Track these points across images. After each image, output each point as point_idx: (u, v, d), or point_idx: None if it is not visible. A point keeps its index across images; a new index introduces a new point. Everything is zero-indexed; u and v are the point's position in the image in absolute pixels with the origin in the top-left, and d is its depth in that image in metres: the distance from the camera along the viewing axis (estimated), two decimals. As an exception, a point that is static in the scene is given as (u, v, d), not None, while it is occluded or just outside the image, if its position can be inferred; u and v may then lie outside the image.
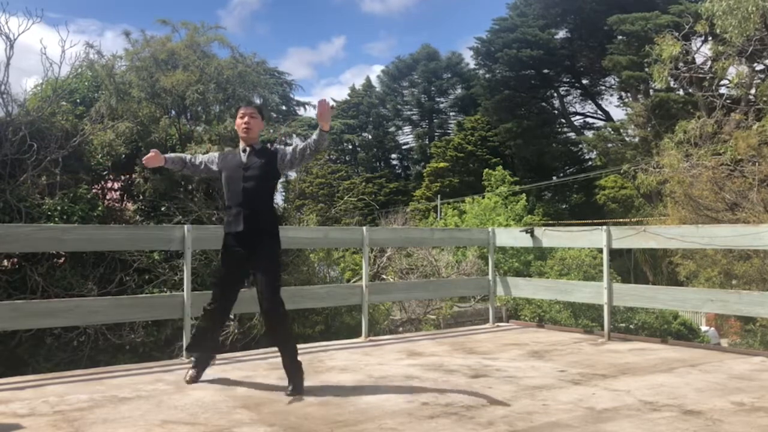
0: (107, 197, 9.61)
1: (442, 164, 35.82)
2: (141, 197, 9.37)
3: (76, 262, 7.84)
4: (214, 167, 4.16)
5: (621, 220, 24.39)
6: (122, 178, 9.82)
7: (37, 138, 7.94)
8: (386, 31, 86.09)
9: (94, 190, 9.00)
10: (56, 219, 7.59)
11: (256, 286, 4.05)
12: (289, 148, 4.17)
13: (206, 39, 10.33)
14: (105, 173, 9.34)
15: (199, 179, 9.49)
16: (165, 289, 7.93)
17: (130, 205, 9.74)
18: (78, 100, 9.65)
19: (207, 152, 8.74)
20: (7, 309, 4.57)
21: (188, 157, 4.28)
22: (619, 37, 30.44)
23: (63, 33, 13.04)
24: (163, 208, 9.06)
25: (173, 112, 10.00)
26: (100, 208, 8.24)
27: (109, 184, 9.75)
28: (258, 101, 11.09)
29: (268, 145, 4.60)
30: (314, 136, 4.02)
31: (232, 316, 8.42)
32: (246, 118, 4.03)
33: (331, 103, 4.36)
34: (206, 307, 4.19)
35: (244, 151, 4.06)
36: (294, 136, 11.61)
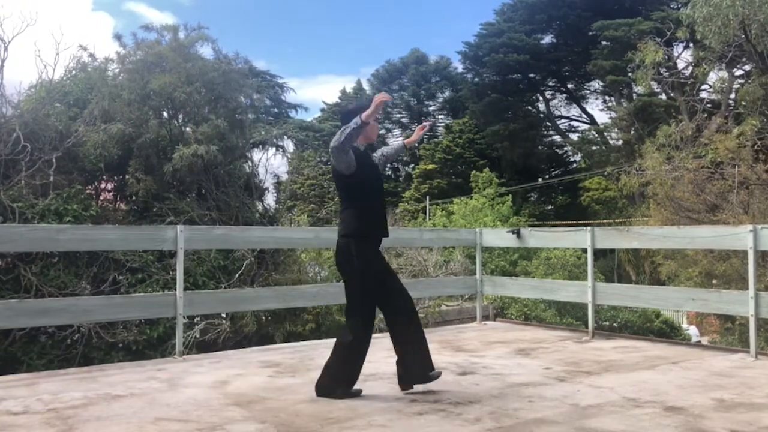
0: (100, 197, 9.61)
1: (430, 166, 35.97)
2: (134, 197, 9.38)
3: (70, 262, 7.84)
4: (354, 164, 3.69)
5: (605, 221, 24.71)
6: (115, 178, 9.83)
7: (31, 139, 7.96)
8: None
9: (87, 191, 9.00)
10: (50, 219, 7.59)
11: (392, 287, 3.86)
12: (377, 153, 4.16)
13: (190, 40, 10.35)
14: (98, 174, 9.33)
15: (192, 180, 9.50)
16: (158, 288, 7.95)
17: (123, 205, 9.75)
18: (71, 102, 9.64)
19: (194, 153, 8.81)
20: (1, 308, 4.59)
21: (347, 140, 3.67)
22: (603, 43, 30.90)
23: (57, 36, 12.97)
24: (155, 209, 9.07)
25: (165, 114, 10.02)
26: (93, 209, 8.25)
27: (102, 185, 9.76)
28: (246, 102, 11.12)
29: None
30: (394, 148, 4.10)
31: (224, 315, 8.45)
32: (376, 123, 3.94)
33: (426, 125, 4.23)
34: (355, 342, 3.67)
35: (367, 153, 3.91)
36: (285, 137, 11.65)
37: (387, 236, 3.83)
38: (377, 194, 3.85)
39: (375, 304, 3.79)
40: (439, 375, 3.84)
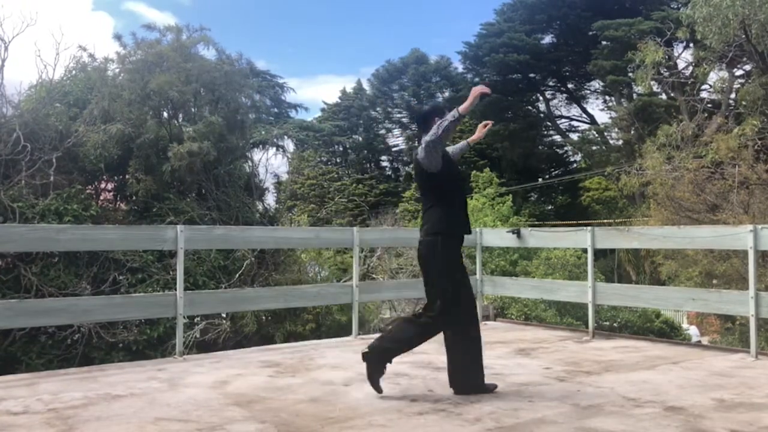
0: (100, 197, 9.63)
1: (430, 166, 35.96)
2: (134, 197, 9.40)
3: (70, 262, 7.85)
4: (440, 161, 3.69)
5: (605, 221, 24.69)
6: (115, 178, 9.86)
7: (31, 139, 8.00)
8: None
9: (87, 191, 9.02)
10: (50, 219, 7.60)
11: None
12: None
13: (191, 41, 10.37)
14: (98, 174, 9.35)
15: (192, 180, 9.51)
16: (158, 288, 7.96)
17: (123, 205, 9.77)
18: (71, 102, 9.66)
19: (189, 151, 8.82)
20: (2, 308, 4.59)
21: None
22: (604, 43, 30.91)
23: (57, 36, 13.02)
24: (155, 209, 9.09)
25: (164, 114, 10.04)
26: (93, 209, 8.27)
27: (103, 185, 9.78)
28: (247, 102, 11.13)
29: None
30: (459, 147, 4.03)
31: (224, 315, 8.46)
32: None
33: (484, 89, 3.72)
34: (473, 333, 3.74)
35: (446, 152, 3.85)
36: (285, 137, 11.66)
37: (470, 233, 3.89)
38: (461, 192, 3.92)
39: (471, 292, 3.83)
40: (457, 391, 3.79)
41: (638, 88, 25.05)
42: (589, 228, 6.13)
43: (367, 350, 3.76)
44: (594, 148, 33.75)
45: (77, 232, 5.06)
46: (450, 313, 3.74)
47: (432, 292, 3.79)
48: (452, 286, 3.73)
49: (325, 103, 47.68)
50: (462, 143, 4.35)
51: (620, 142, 30.16)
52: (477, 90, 3.53)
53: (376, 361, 3.74)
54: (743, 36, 12.50)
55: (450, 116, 3.53)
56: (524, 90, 37.40)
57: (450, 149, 4.17)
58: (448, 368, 3.84)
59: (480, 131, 4.27)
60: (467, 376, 3.77)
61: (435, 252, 3.71)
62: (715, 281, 11.60)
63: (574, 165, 37.31)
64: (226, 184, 9.89)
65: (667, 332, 14.90)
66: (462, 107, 3.52)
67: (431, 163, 3.65)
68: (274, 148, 11.33)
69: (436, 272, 3.75)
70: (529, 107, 38.26)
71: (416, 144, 3.88)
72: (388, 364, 3.80)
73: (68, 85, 9.89)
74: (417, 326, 3.81)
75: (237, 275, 8.87)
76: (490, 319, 7.36)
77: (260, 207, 10.79)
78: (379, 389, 3.72)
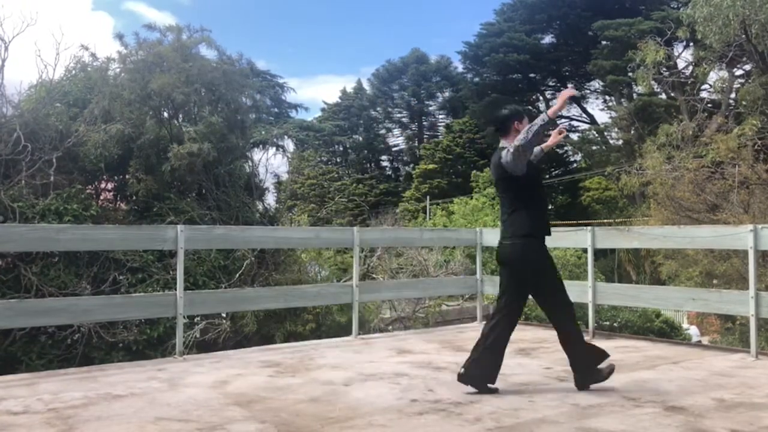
0: (101, 197, 9.64)
1: (431, 166, 36.00)
2: (134, 197, 9.40)
3: (70, 262, 7.85)
4: (525, 166, 3.77)
5: (605, 220, 24.68)
6: (115, 178, 9.86)
7: (31, 139, 8.00)
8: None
9: (87, 191, 9.02)
10: (50, 219, 7.61)
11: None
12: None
13: (192, 41, 10.37)
14: (98, 174, 9.35)
15: (192, 180, 9.51)
16: (158, 288, 7.96)
17: (123, 205, 9.77)
18: (72, 102, 9.66)
19: (189, 151, 8.83)
20: (2, 308, 4.60)
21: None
22: (603, 43, 30.91)
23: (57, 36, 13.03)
24: (155, 209, 9.09)
25: (165, 114, 10.04)
26: (93, 208, 8.28)
27: (103, 185, 9.78)
28: (247, 102, 11.13)
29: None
30: (534, 153, 4.05)
31: (224, 315, 8.46)
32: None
33: (574, 93, 4.02)
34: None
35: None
36: (286, 137, 11.67)
37: (550, 235, 3.98)
38: (542, 196, 4.04)
39: (563, 289, 3.96)
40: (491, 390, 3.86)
41: (638, 88, 25.07)
42: (589, 228, 6.14)
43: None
44: (594, 147, 33.75)
45: (77, 232, 5.06)
46: (566, 304, 3.90)
47: (508, 292, 3.88)
48: (551, 281, 3.89)
49: (325, 103, 47.75)
50: (537, 149, 4.39)
51: (620, 142, 30.16)
52: (565, 93, 3.69)
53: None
54: (743, 36, 12.51)
55: (539, 120, 3.61)
56: (524, 90, 37.42)
57: None
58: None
59: (555, 137, 4.33)
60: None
61: (525, 254, 3.82)
62: (715, 281, 11.59)
63: (574, 165, 37.32)
64: (226, 184, 9.89)
65: (667, 332, 14.88)
66: (550, 111, 3.64)
67: (517, 167, 3.72)
68: (274, 148, 11.35)
69: (530, 273, 3.86)
70: (529, 107, 38.22)
71: (499, 148, 3.93)
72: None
73: (68, 85, 9.89)
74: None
75: (237, 275, 8.87)
76: (490, 319, 7.33)
77: (260, 207, 10.80)
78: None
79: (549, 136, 4.14)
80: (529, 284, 3.90)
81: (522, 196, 3.84)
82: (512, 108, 3.97)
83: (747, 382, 4.08)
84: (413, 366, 4.60)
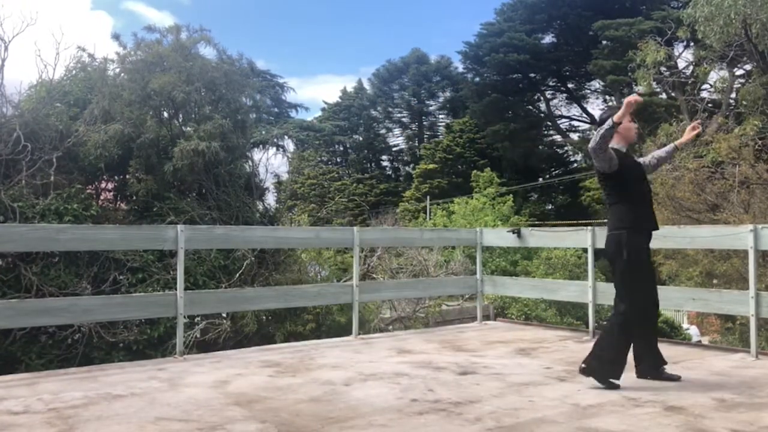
0: (101, 197, 9.63)
1: (431, 166, 36.01)
2: (134, 197, 9.40)
3: (70, 262, 7.85)
4: (615, 163, 4.00)
5: (605, 220, 24.67)
6: (115, 178, 9.86)
7: (31, 139, 7.99)
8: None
9: (87, 191, 9.02)
10: (50, 219, 7.61)
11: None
12: (647, 157, 4.53)
13: (192, 41, 10.37)
14: (98, 174, 9.35)
15: (192, 180, 9.51)
16: (158, 288, 7.96)
17: (123, 205, 9.77)
18: (72, 102, 9.66)
19: (195, 149, 8.83)
20: (2, 308, 4.60)
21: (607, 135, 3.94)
22: (604, 43, 30.93)
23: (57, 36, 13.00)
24: (155, 209, 9.08)
25: (165, 114, 10.03)
26: (93, 208, 8.27)
27: (103, 185, 9.78)
28: (248, 102, 11.13)
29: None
30: (666, 150, 4.43)
31: (224, 315, 8.46)
32: (633, 123, 4.19)
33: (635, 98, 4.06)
34: (643, 324, 4.01)
35: (628, 154, 4.22)
36: (286, 137, 11.66)
37: (657, 229, 4.14)
38: (642, 190, 4.14)
39: (649, 289, 4.05)
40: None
41: (639, 88, 25.03)
42: (589, 228, 6.13)
43: (584, 366, 3.97)
44: (594, 147, 33.62)
45: (77, 231, 5.06)
46: (619, 303, 3.98)
47: (618, 286, 4.03)
48: (630, 279, 3.96)
49: (326, 103, 47.76)
50: (669, 146, 4.61)
51: (620, 142, 30.08)
52: (630, 99, 3.86)
53: (605, 376, 3.93)
54: (744, 36, 12.51)
55: (606, 125, 3.86)
56: (524, 90, 37.41)
57: (657, 153, 4.57)
58: (635, 356, 4.07)
59: (688, 134, 4.48)
60: (642, 364, 4.07)
61: (620, 246, 3.97)
62: (715, 281, 11.59)
63: (575, 164, 37.32)
64: (226, 184, 9.89)
65: (667, 332, 14.91)
66: (616, 116, 3.86)
67: (602, 166, 4.01)
68: (275, 148, 11.35)
69: (622, 264, 3.98)
70: (530, 107, 38.28)
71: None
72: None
73: (68, 85, 9.88)
74: (612, 328, 4.03)
75: (237, 275, 8.86)
76: (490, 318, 7.38)
77: (260, 207, 10.79)
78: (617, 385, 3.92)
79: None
80: (616, 271, 4.03)
81: (617, 191, 4.07)
82: (610, 110, 4.14)
83: (747, 382, 4.08)
84: (413, 366, 4.59)
